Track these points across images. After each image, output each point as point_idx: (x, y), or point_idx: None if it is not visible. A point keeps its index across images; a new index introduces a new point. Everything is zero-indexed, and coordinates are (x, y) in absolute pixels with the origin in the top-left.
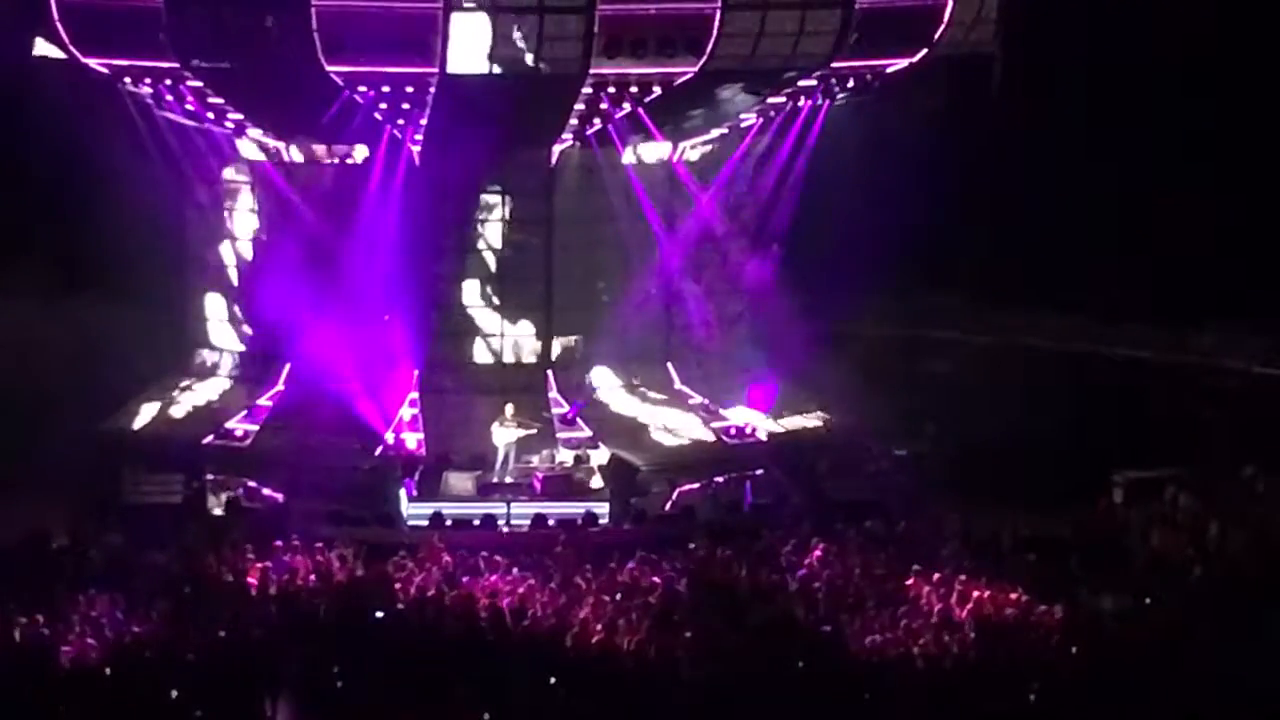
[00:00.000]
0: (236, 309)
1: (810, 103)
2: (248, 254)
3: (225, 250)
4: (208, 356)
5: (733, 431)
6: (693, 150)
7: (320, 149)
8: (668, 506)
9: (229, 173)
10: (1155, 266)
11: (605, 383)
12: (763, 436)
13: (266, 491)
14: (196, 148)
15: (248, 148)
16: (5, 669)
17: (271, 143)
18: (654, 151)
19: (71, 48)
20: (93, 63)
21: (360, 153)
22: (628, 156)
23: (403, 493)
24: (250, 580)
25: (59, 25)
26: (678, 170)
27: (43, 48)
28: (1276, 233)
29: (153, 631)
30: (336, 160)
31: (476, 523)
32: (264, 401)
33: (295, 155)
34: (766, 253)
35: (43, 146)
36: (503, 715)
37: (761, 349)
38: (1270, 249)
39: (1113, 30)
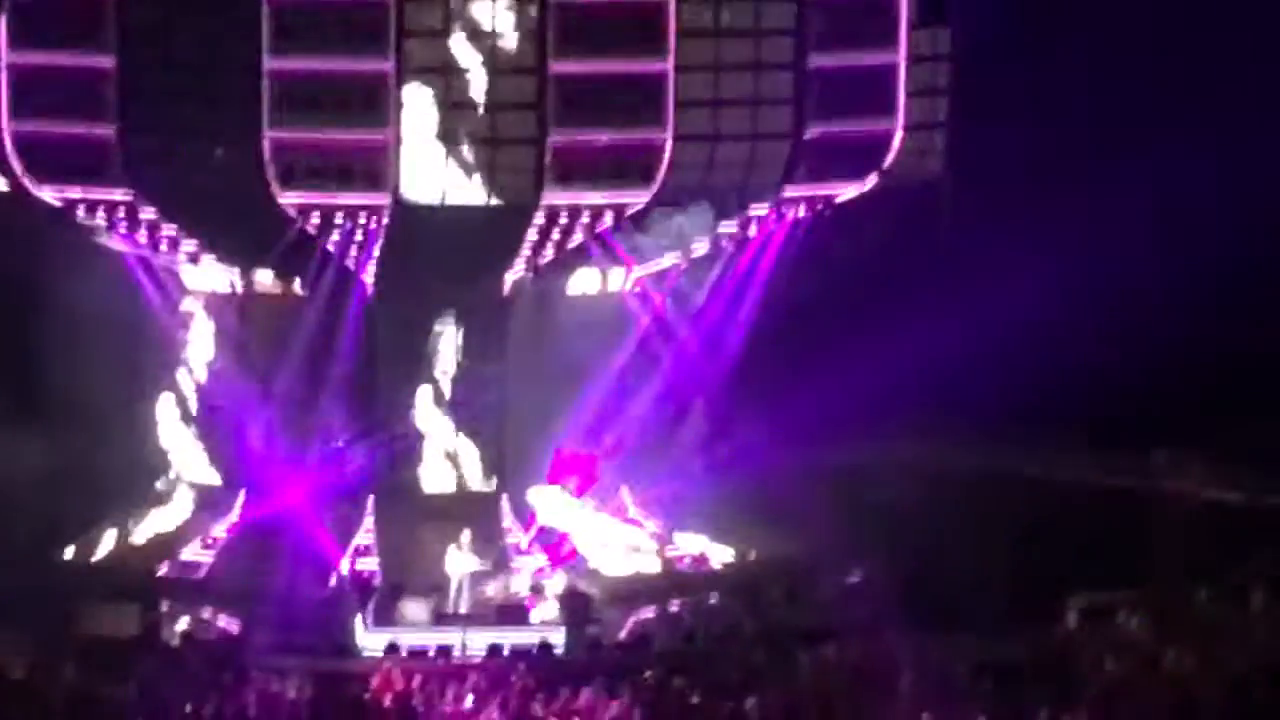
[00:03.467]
0: (194, 437)
1: (764, 229)
2: (204, 382)
3: (182, 378)
4: (166, 485)
5: (686, 559)
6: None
7: (271, 279)
8: (623, 635)
9: (185, 303)
10: (1097, 391)
11: (553, 506)
12: (716, 565)
13: (222, 622)
14: (150, 278)
15: (198, 279)
16: None
17: (225, 272)
18: (606, 279)
19: (23, 179)
20: (46, 193)
21: (304, 285)
22: (581, 284)
23: (358, 621)
24: (205, 712)
25: (11, 156)
26: (630, 297)
27: None
28: (1227, 358)
29: None
30: (288, 290)
31: (432, 652)
32: (219, 531)
33: (248, 285)
34: (721, 376)
35: None
36: None
37: (716, 473)
38: (1218, 374)
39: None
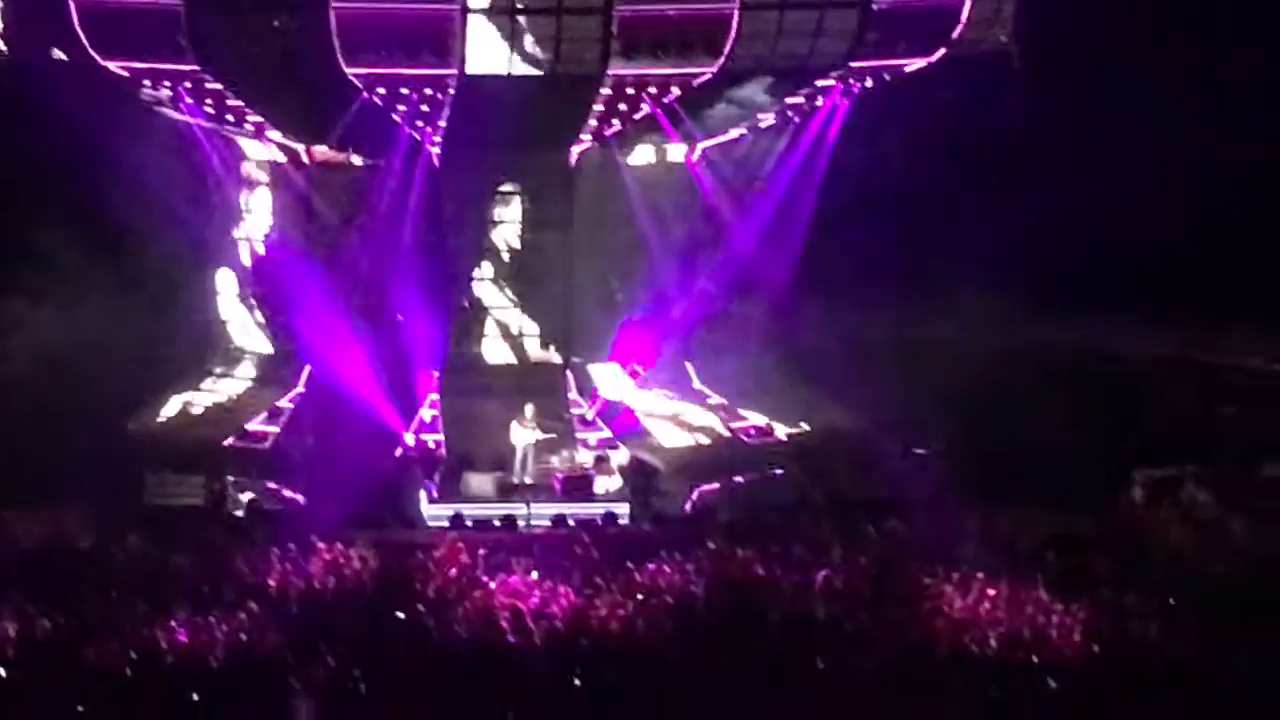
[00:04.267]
0: (255, 309)
1: (830, 101)
2: (264, 252)
3: (243, 250)
4: (227, 357)
5: (752, 431)
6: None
7: (338, 151)
8: (687, 507)
9: (247, 169)
10: (1170, 264)
11: (615, 381)
12: (781, 437)
13: (287, 493)
14: (212, 148)
15: (262, 150)
16: (28, 669)
17: (290, 144)
18: (672, 151)
19: (91, 51)
20: (112, 66)
21: (366, 157)
22: (645, 156)
23: (423, 494)
24: (271, 582)
25: (78, 29)
26: (694, 170)
27: (59, 52)
28: None
29: (174, 635)
30: (354, 162)
31: (497, 523)
32: (284, 403)
33: (314, 156)
34: (784, 252)
35: (59, 151)
36: (523, 717)
37: (778, 347)
38: None
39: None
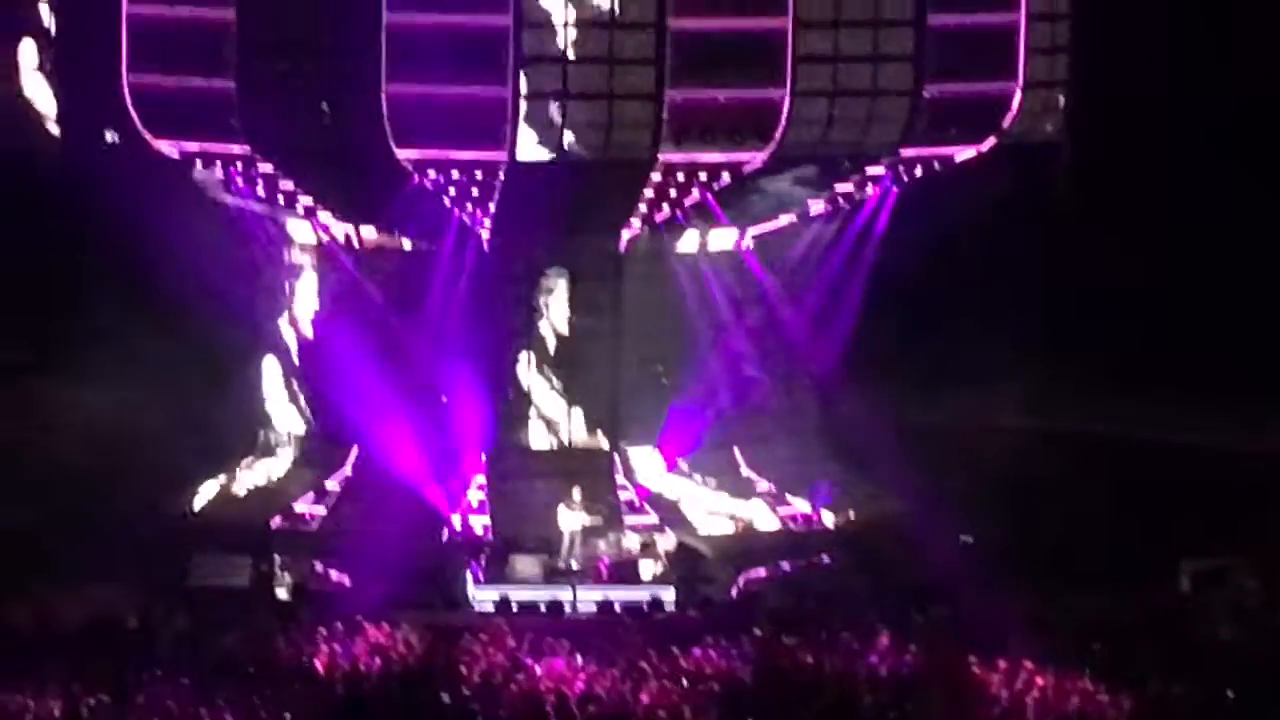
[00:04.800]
0: (299, 390)
1: (879, 189)
2: (311, 336)
3: (288, 331)
4: (271, 438)
5: (799, 519)
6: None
7: (388, 233)
8: (734, 593)
9: (294, 254)
10: (1215, 356)
11: (657, 467)
12: (828, 525)
13: (334, 575)
14: (261, 231)
15: (310, 233)
16: None
17: (340, 227)
18: (721, 238)
19: (144, 132)
20: (165, 146)
21: (415, 240)
22: (694, 243)
23: (469, 576)
24: (317, 664)
25: (132, 110)
26: (745, 257)
27: (113, 134)
28: None
29: (219, 715)
30: (404, 245)
31: (543, 607)
32: (332, 484)
33: (362, 239)
34: (831, 338)
35: (108, 231)
36: None
37: (827, 435)
38: None
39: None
